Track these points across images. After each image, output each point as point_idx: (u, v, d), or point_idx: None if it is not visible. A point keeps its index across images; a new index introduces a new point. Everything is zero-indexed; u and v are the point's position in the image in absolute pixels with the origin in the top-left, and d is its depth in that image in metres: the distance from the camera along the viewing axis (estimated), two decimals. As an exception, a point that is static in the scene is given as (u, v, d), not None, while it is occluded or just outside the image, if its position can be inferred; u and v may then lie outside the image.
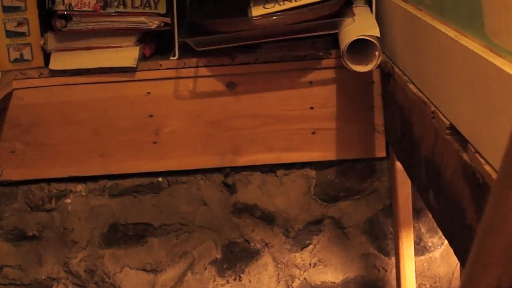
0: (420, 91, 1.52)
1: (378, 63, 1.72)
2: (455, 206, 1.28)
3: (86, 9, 1.87)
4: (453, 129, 1.30)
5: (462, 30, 1.27)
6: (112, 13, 1.88)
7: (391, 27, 1.77)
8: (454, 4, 1.32)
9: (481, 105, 1.14)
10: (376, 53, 1.72)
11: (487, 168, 1.10)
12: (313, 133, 1.94)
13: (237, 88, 1.91)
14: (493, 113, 1.09)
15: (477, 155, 1.16)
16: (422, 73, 1.51)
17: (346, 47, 1.70)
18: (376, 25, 1.75)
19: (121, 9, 1.87)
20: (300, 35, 1.82)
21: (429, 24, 1.41)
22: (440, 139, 1.36)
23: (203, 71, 1.90)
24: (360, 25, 1.76)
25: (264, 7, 1.88)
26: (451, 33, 1.29)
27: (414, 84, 1.58)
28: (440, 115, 1.36)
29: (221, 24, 1.85)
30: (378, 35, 1.71)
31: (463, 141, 1.24)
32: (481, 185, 1.14)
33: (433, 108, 1.41)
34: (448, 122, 1.31)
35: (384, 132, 1.94)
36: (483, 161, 1.13)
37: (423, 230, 2.04)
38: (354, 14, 1.80)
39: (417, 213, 2.00)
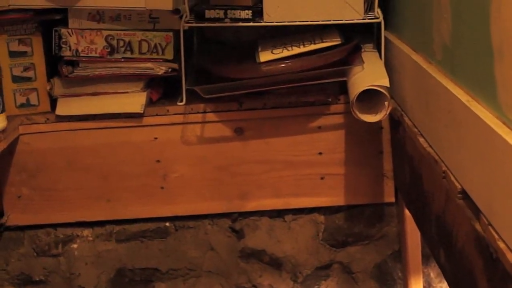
0: (430, 146, 1.51)
1: (387, 113, 1.71)
2: (467, 274, 1.26)
3: (93, 55, 1.87)
4: (464, 194, 1.28)
5: (474, 95, 1.26)
6: (119, 59, 1.86)
7: (400, 74, 1.76)
8: (466, 66, 1.30)
9: (494, 177, 1.12)
10: (386, 103, 1.70)
11: (501, 244, 1.09)
12: (322, 178, 1.92)
13: (245, 133, 1.90)
14: (506, 189, 1.07)
15: (490, 228, 1.14)
16: (433, 129, 1.49)
17: (355, 98, 1.69)
18: (386, 74, 1.73)
19: (128, 55, 1.86)
20: (308, 83, 1.81)
21: (440, 83, 1.40)
22: (452, 201, 1.34)
23: (210, 116, 1.89)
24: (369, 74, 1.75)
25: (272, 53, 1.87)
26: (463, 97, 1.28)
27: (424, 138, 1.56)
28: (452, 177, 1.34)
29: (229, 70, 1.84)
30: (388, 85, 1.70)
31: (476, 209, 1.22)
32: (494, 260, 1.12)
33: (444, 168, 1.39)
34: (459, 187, 1.30)
35: (393, 177, 1.92)
36: (496, 236, 1.11)
37: (432, 275, 2.02)
38: (363, 62, 1.79)
39: (426, 258, 1.98)
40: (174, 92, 1.94)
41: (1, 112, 1.78)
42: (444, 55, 1.44)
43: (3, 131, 1.79)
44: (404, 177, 1.77)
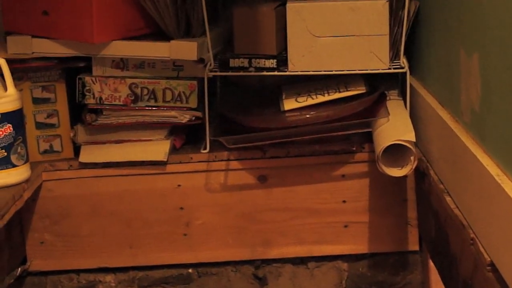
0: (458, 207, 1.50)
1: (413, 167, 1.70)
2: None
3: (116, 103, 1.86)
4: (493, 266, 1.27)
5: (505, 169, 1.25)
6: (143, 107, 1.86)
7: (426, 125, 1.75)
8: (496, 137, 1.29)
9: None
10: (412, 158, 1.69)
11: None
12: (345, 226, 1.91)
13: (268, 181, 1.90)
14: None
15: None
16: (460, 191, 1.48)
17: (381, 152, 1.68)
18: (411, 127, 1.72)
19: (152, 103, 1.86)
20: (333, 133, 1.80)
21: (468, 149, 1.38)
22: (480, 272, 1.33)
23: (234, 164, 1.89)
24: (395, 127, 1.74)
25: (296, 101, 1.86)
26: (493, 169, 1.27)
27: (451, 197, 1.55)
28: (480, 247, 1.33)
29: (253, 120, 1.84)
30: (414, 140, 1.68)
31: (505, 285, 1.21)
32: None
33: (472, 235, 1.38)
34: (489, 259, 1.28)
35: (417, 225, 1.91)
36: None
37: (456, 323, 2.00)
38: (388, 114, 1.78)
39: (450, 306, 1.97)
40: (197, 138, 1.94)
41: (25, 162, 1.78)
42: (472, 119, 1.42)
43: (27, 180, 1.78)
44: (429, 229, 1.76)
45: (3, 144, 1.73)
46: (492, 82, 1.29)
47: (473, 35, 1.40)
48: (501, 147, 1.27)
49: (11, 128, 1.73)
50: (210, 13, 1.85)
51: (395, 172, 1.71)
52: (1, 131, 1.72)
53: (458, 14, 1.51)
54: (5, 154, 1.73)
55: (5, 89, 1.74)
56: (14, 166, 1.75)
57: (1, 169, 1.73)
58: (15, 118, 1.74)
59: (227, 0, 2.04)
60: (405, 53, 1.83)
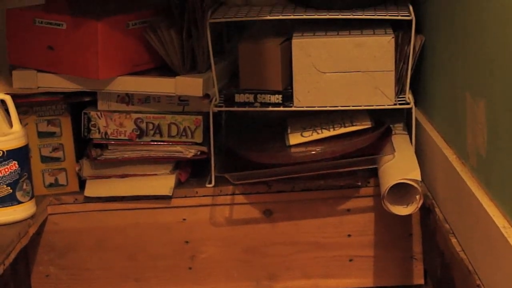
0: (463, 251, 1.49)
1: (419, 206, 1.70)
2: None
3: (122, 137, 1.87)
4: (500, 317, 1.27)
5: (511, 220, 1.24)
6: (149, 142, 1.86)
7: (431, 162, 1.75)
8: (503, 186, 1.29)
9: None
10: (417, 196, 1.69)
11: None
12: (350, 260, 1.91)
13: (274, 215, 1.90)
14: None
15: None
16: (466, 236, 1.48)
17: (386, 191, 1.68)
18: (417, 165, 1.72)
19: (157, 138, 1.86)
20: (339, 170, 1.80)
21: (474, 196, 1.38)
22: (487, 321, 1.33)
23: (239, 198, 1.89)
24: (401, 165, 1.74)
25: (302, 135, 1.86)
26: (499, 220, 1.27)
27: (456, 238, 1.55)
28: (486, 295, 1.32)
29: (258, 155, 1.83)
30: (419, 179, 1.68)
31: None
32: None
33: (478, 282, 1.38)
34: (495, 309, 1.28)
35: (422, 259, 1.91)
36: None
37: None
38: (394, 150, 1.78)
39: None
40: (203, 170, 1.94)
41: (31, 198, 1.78)
42: (478, 164, 1.42)
43: (33, 216, 1.79)
44: (435, 266, 1.76)
45: (9, 181, 1.73)
46: (499, 131, 1.29)
47: (479, 81, 1.40)
48: (508, 196, 1.27)
49: (17, 165, 1.74)
50: (215, 46, 1.85)
51: (401, 210, 1.71)
52: (7, 168, 1.72)
53: (464, 55, 1.51)
54: (11, 191, 1.73)
55: (11, 125, 1.74)
56: (19, 202, 1.75)
57: (7, 206, 1.74)
58: (21, 155, 1.75)
59: (232, 31, 2.04)
60: (410, 87, 1.83)
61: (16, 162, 1.73)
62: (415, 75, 1.89)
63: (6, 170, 1.72)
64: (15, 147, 1.73)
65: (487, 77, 1.35)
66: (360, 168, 1.82)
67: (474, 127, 1.43)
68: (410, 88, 1.84)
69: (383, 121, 1.88)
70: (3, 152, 1.72)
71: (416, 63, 1.86)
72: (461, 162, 1.54)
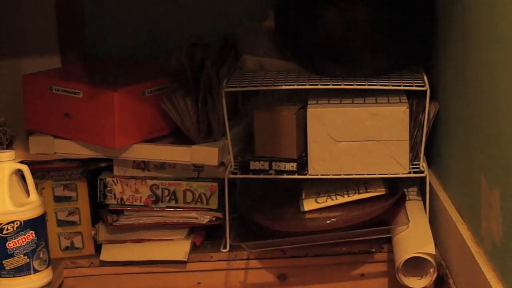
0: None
1: (433, 279, 1.70)
2: None
3: (137, 203, 1.88)
4: None
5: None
6: (164, 208, 1.88)
7: (445, 234, 1.75)
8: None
9: None
10: (431, 270, 1.70)
11: None
12: (364, 324, 1.92)
13: (288, 279, 1.91)
14: None
15: None
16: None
17: (401, 264, 1.69)
18: (431, 238, 1.73)
19: (172, 204, 1.87)
20: (353, 239, 1.81)
21: (489, 284, 1.39)
22: None
23: (254, 263, 1.90)
24: (415, 236, 1.75)
25: (316, 201, 1.88)
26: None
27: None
28: None
29: (273, 223, 1.84)
30: (434, 252, 1.69)
31: None
32: None
33: None
34: None
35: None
36: None
37: None
38: (408, 221, 1.78)
39: None
40: (217, 233, 1.95)
41: (47, 266, 1.80)
42: (493, 250, 1.43)
43: (49, 283, 1.80)
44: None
45: (26, 251, 1.75)
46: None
47: (494, 168, 1.40)
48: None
49: (34, 235, 1.75)
50: (230, 110, 1.86)
51: (415, 283, 1.72)
52: (24, 238, 1.74)
53: (479, 134, 1.51)
54: (28, 260, 1.75)
55: (27, 194, 1.76)
56: (36, 271, 1.77)
57: (24, 275, 1.75)
58: (38, 224, 1.76)
59: (248, 92, 2.05)
60: (425, 150, 1.83)
61: (33, 231, 1.75)
62: (430, 139, 1.89)
63: (23, 240, 1.74)
64: (32, 217, 1.75)
65: (502, 167, 1.35)
66: (374, 237, 1.82)
67: (489, 213, 1.43)
68: (425, 151, 1.84)
69: (397, 186, 1.88)
70: (20, 222, 1.73)
71: (431, 129, 1.86)
72: (475, 241, 1.55)
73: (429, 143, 1.90)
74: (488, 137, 1.45)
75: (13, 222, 1.73)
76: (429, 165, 1.88)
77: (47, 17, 2.10)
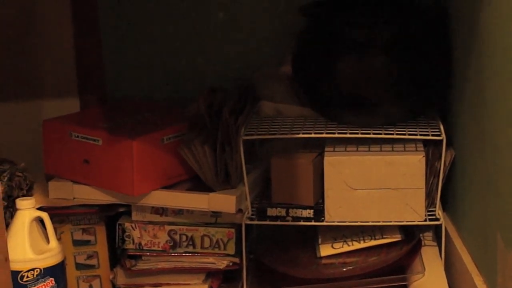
0: None
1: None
2: None
3: (155, 248, 1.90)
4: None
5: None
6: (182, 253, 1.89)
7: (461, 284, 1.76)
8: None
9: None
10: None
11: None
12: None
13: (305, 321, 1.92)
14: None
15: None
16: None
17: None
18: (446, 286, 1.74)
19: (190, 249, 1.89)
20: (369, 287, 1.82)
21: None
22: None
23: (270, 305, 1.91)
24: (431, 286, 1.76)
25: (332, 247, 1.89)
26: None
27: None
28: None
29: (289, 269, 1.86)
30: (449, 306, 1.71)
31: None
32: None
33: None
34: None
35: None
36: None
37: None
38: (424, 269, 1.80)
39: None
40: (234, 276, 1.96)
41: (65, 312, 1.82)
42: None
43: (68, 327, 1.82)
44: None
45: (46, 298, 1.77)
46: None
47: (511, 227, 1.42)
48: None
49: (53, 282, 1.78)
50: (248, 153, 1.88)
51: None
52: (44, 285, 1.76)
53: (494, 191, 1.52)
54: (47, 306, 1.77)
55: (47, 241, 1.78)
56: (55, 316, 1.79)
57: (43, 321, 1.77)
58: (57, 271, 1.78)
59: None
60: (440, 197, 1.85)
61: (52, 278, 1.77)
62: (447, 182, 1.90)
63: (43, 287, 1.76)
64: (52, 264, 1.77)
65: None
66: (389, 285, 1.83)
67: (505, 271, 1.45)
68: (441, 196, 1.85)
69: (412, 232, 1.90)
70: (40, 270, 1.75)
71: (447, 173, 1.87)
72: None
73: (445, 186, 1.91)
74: (503, 196, 1.46)
75: (33, 269, 1.75)
76: (445, 208, 1.90)
77: (66, 59, 2.12)
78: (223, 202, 1.82)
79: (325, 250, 1.89)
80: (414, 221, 1.83)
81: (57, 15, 2.10)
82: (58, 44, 2.11)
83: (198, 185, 1.89)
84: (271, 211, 1.86)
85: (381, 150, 1.84)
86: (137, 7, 2.16)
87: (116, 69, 2.20)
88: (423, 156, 1.80)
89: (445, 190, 1.91)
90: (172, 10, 2.16)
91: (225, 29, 2.18)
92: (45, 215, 1.78)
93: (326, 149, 1.86)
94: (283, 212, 1.86)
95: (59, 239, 1.85)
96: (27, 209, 1.77)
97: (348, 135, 1.82)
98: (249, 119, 1.91)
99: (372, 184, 1.82)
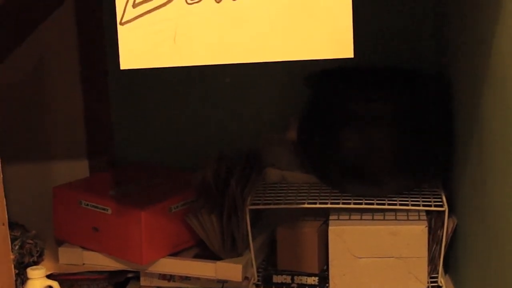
0: None
1: None
2: None
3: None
4: None
5: None
6: None
7: None
8: None
9: None
10: None
11: None
12: None
13: None
14: None
15: None
16: None
17: None
18: None
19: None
20: None
21: None
22: None
23: None
24: None
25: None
26: None
27: None
28: None
29: None
30: None
31: None
32: None
33: None
34: None
35: None
36: None
37: None
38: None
39: None
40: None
41: None
42: None
43: None
44: None
45: None
46: None
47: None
48: None
49: None
50: (253, 219, 1.92)
51: None
52: None
53: (497, 264, 1.54)
54: None
55: (58, 307, 1.82)
56: None
57: None
58: None
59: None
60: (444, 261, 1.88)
61: None
62: (448, 249, 1.93)
63: None
64: (63, 334, 1.81)
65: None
66: None
67: None
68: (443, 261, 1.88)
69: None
70: (50, 338, 1.79)
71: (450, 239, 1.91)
72: None
73: (448, 250, 1.93)
74: (507, 271, 1.49)
75: (43, 337, 1.78)
76: (447, 272, 1.92)
77: (75, 123, 2.15)
78: (230, 270, 1.86)
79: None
80: (416, 288, 1.86)
81: (66, 79, 2.14)
82: (68, 108, 2.15)
83: (205, 251, 1.92)
84: (276, 278, 1.90)
85: (384, 219, 1.88)
86: (146, 74, 2.19)
87: (124, 133, 2.23)
88: (426, 226, 1.84)
89: (448, 254, 1.94)
90: (180, 78, 2.18)
91: (231, 96, 2.21)
92: (55, 284, 1.82)
93: (331, 217, 1.89)
94: (288, 279, 1.90)
95: (68, 304, 1.88)
96: (38, 279, 1.80)
97: (352, 206, 1.86)
98: (255, 187, 1.94)
99: (375, 253, 1.85)
